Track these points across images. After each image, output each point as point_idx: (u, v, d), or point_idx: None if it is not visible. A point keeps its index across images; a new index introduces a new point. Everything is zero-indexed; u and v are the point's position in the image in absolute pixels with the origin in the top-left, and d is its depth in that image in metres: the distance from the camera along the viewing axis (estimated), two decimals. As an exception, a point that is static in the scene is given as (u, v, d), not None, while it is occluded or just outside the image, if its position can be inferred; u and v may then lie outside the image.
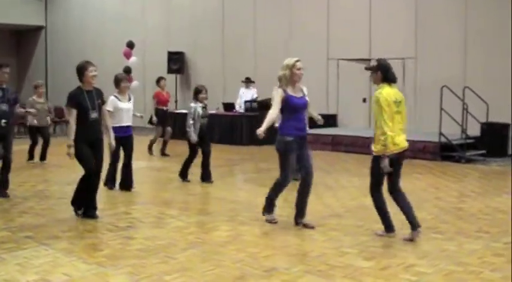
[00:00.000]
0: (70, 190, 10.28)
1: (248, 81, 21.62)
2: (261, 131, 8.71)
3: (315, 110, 9.99)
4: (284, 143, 8.98)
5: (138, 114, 13.89)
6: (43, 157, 16.40)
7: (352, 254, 7.84)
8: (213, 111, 22.17)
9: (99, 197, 10.04)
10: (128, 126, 12.09)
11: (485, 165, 16.47)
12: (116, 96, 12.03)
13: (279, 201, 9.93)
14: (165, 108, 18.18)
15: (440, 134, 16.97)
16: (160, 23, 27.55)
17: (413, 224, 8.52)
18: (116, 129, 11.23)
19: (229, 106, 22.23)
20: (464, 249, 8.13)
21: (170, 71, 25.82)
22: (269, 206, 9.52)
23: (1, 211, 10.36)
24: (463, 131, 17.53)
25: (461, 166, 16.25)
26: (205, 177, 13.33)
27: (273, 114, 8.93)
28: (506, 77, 18.01)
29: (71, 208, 10.00)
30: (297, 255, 7.81)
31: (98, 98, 9.72)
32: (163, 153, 18.14)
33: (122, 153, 12.13)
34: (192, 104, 13.21)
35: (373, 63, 8.76)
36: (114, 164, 12.25)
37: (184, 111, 23.61)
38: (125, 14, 28.96)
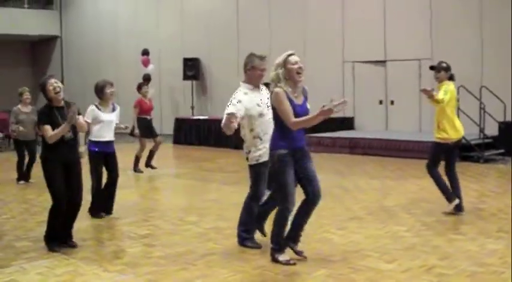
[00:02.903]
0: (89, 197, 10.24)
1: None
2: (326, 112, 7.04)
3: None
4: (278, 156, 7.39)
5: (123, 126, 11.33)
6: (27, 176, 14.51)
7: (373, 257, 7.80)
8: (230, 117, 22.21)
9: (116, 205, 9.94)
10: (109, 142, 10.48)
11: (504, 164, 16.39)
12: (96, 106, 10.38)
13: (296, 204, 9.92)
14: (148, 117, 16.04)
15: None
16: (174, 31, 27.54)
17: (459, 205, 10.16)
18: (95, 144, 10.34)
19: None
20: (486, 249, 8.08)
21: (186, 77, 25.85)
22: (278, 244, 7.62)
23: (21, 221, 10.38)
24: (481, 130, 17.44)
25: (480, 166, 16.18)
26: None
27: (297, 120, 7.28)
28: (523, 76, 17.94)
29: (90, 218, 10.02)
30: (318, 260, 7.75)
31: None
32: (148, 165, 15.97)
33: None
34: None
35: (441, 63, 10.42)
36: (97, 186, 10.61)
37: (201, 117, 23.75)
38: (138, 23, 28.99)
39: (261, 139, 8.16)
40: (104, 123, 10.30)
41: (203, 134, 23.04)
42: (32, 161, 14.32)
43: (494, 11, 18.62)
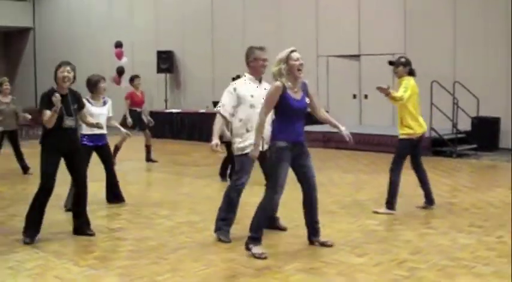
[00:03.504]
0: (61, 192, 10.16)
1: (238, 78, 21.49)
2: (254, 152, 7.66)
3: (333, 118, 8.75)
4: (276, 149, 7.59)
5: (118, 125, 11.81)
6: (24, 169, 14.55)
7: (345, 250, 7.81)
8: (203, 111, 22.20)
9: (88, 198, 9.84)
10: (100, 135, 10.60)
11: (476, 159, 16.48)
12: (87, 99, 10.32)
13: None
14: (139, 109, 16.31)
15: (431, 129, 16.96)
16: (148, 23, 27.46)
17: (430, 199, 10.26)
18: (86, 137, 10.43)
19: (219, 105, 22.13)
20: (457, 243, 8.11)
21: (160, 70, 25.76)
22: (256, 233, 7.72)
23: (-10, 214, 10.29)
24: (454, 125, 17.51)
25: (453, 161, 16.25)
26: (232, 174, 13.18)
27: (260, 124, 7.62)
28: (496, 71, 18.03)
29: (62, 211, 9.97)
30: (289, 253, 7.76)
31: (74, 102, 8.55)
32: (149, 159, 16.46)
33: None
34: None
35: (399, 58, 10.35)
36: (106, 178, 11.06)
37: (174, 110, 23.70)
38: (111, 15, 28.87)
39: (247, 130, 8.30)
40: (94, 116, 10.18)
41: (176, 127, 22.98)
42: (18, 153, 14.42)
43: (468, 6, 18.69)
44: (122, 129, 11.75)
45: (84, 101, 9.68)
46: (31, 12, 33.28)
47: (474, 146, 17.63)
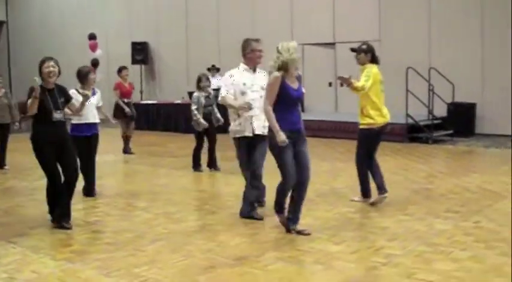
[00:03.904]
0: (38, 186, 10.14)
1: (214, 68, 21.47)
2: (282, 137, 7.72)
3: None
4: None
5: (108, 115, 12.43)
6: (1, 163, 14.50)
7: (322, 238, 7.81)
8: (179, 101, 22.16)
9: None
10: (91, 124, 10.84)
11: (452, 145, 16.55)
12: (77, 90, 10.25)
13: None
14: (126, 100, 16.40)
15: (407, 115, 17.02)
16: (122, 14, 27.35)
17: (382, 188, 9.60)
18: (76, 128, 10.67)
19: (195, 95, 22.09)
20: (434, 229, 8.15)
21: (134, 61, 25.66)
22: (279, 207, 8.20)
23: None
24: (430, 112, 17.58)
25: (429, 147, 16.32)
26: (211, 164, 13.48)
27: (270, 110, 7.84)
28: (471, 57, 18.11)
29: (40, 205, 9.89)
30: (267, 243, 7.76)
31: (61, 96, 8.76)
32: (126, 151, 16.52)
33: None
34: (196, 93, 13.33)
35: (361, 45, 9.75)
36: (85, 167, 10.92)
37: (150, 101, 23.64)
38: (85, 6, 28.68)
39: (238, 116, 8.98)
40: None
41: (152, 118, 22.93)
42: (3, 146, 14.46)
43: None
44: (111, 119, 12.60)
45: (74, 91, 10.09)
46: (4, 6, 33.00)
47: (450, 131, 17.72)
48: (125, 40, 26.29)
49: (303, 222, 8.32)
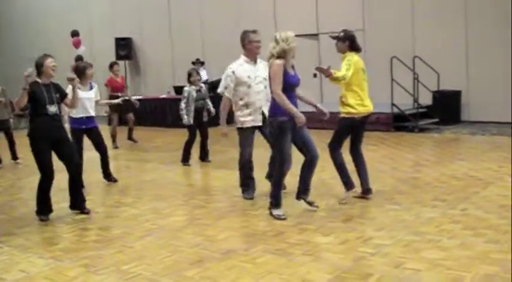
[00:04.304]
0: (24, 185, 10.11)
1: (198, 62, 21.43)
2: (303, 117, 8.25)
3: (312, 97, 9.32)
4: (278, 123, 8.30)
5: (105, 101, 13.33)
6: (13, 156, 14.88)
7: (310, 230, 7.82)
8: (164, 96, 22.11)
9: (53, 189, 9.74)
10: (89, 117, 11.28)
11: (438, 133, 16.56)
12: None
13: (232, 180, 9.94)
14: (120, 95, 16.20)
15: (393, 104, 17.03)
16: (105, 10, 27.22)
17: (362, 186, 9.43)
18: (75, 121, 11.14)
19: (180, 89, 21.96)
20: (422, 218, 8.16)
21: (118, 57, 25.55)
22: (275, 199, 8.56)
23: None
24: (415, 100, 17.59)
25: (415, 135, 16.34)
26: (204, 156, 13.72)
27: (283, 95, 8.21)
28: (455, 45, 18.12)
29: (27, 204, 9.87)
30: (254, 235, 7.76)
31: (56, 92, 9.06)
32: (130, 138, 17.65)
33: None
34: (186, 88, 13.44)
35: (339, 33, 9.34)
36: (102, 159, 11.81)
37: (135, 97, 23.55)
38: (68, 2, 28.53)
39: (247, 107, 9.49)
40: (83, 100, 10.94)
41: (138, 113, 22.82)
42: (11, 141, 14.85)
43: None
44: (114, 101, 13.58)
45: (70, 87, 10.27)
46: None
47: (436, 120, 17.73)
48: (109, 36, 26.19)
49: (290, 213, 8.35)
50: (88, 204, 9.63)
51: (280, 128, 8.32)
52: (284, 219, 8.33)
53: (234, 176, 10.31)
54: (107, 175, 11.87)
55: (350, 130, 9.30)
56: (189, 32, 24.24)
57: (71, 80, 9.29)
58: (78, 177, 9.39)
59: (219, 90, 9.84)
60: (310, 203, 8.84)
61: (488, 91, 17.73)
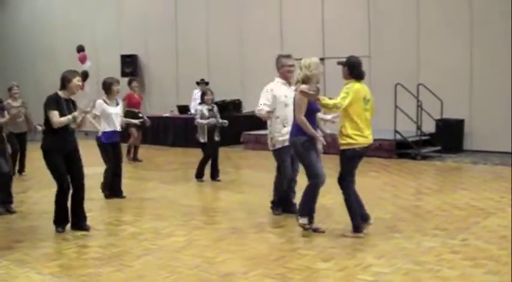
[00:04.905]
0: (24, 199, 10.09)
1: (203, 82, 21.42)
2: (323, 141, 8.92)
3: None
4: (301, 143, 8.77)
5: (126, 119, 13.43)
6: (21, 168, 15.08)
7: (310, 255, 7.79)
8: (168, 114, 22.11)
9: (51, 206, 9.72)
10: (115, 132, 11.86)
11: (441, 161, 16.54)
12: (104, 100, 11.82)
13: (235, 203, 9.90)
14: (136, 111, 16.93)
15: (396, 131, 17.02)
16: (111, 27, 27.25)
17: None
18: (110, 135, 11.73)
19: (184, 108, 22.06)
20: (422, 247, 8.13)
21: (124, 74, 25.59)
22: (309, 213, 8.85)
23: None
24: (418, 128, 17.58)
25: (417, 163, 16.31)
26: (214, 175, 13.76)
27: (306, 120, 8.72)
28: (459, 74, 18.14)
29: (26, 218, 9.85)
30: (254, 259, 7.72)
31: (74, 108, 9.24)
32: (135, 158, 17.69)
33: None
34: (199, 107, 13.64)
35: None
36: (112, 170, 12.04)
37: (140, 114, 23.54)
38: (75, 19, 28.56)
39: (284, 126, 9.75)
40: (112, 115, 11.75)
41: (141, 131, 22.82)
42: (22, 153, 15.11)
43: (432, 9, 18.78)
44: (133, 120, 14.01)
45: (101, 101, 11.78)
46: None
47: (438, 148, 17.71)
48: (114, 52, 26.25)
49: (290, 237, 8.33)
50: (88, 221, 9.62)
51: (303, 146, 8.74)
52: (308, 228, 8.77)
53: (235, 198, 10.33)
54: (118, 190, 12.10)
55: (355, 160, 8.84)
56: (194, 51, 24.28)
57: (72, 117, 9.12)
58: (82, 192, 9.39)
59: (258, 108, 9.97)
60: (315, 230, 8.96)
61: (491, 120, 17.73)
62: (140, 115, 16.80)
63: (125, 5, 26.92)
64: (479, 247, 8.06)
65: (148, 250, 8.20)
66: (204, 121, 13.28)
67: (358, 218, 8.76)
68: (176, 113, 22.19)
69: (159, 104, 25.02)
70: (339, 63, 9.15)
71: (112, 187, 12.04)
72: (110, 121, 11.72)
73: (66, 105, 9.06)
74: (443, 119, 18.07)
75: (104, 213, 10.68)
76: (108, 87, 11.88)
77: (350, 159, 8.79)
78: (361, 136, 8.68)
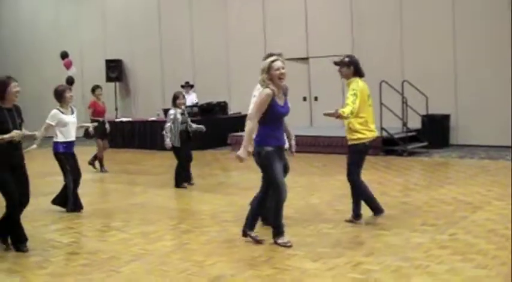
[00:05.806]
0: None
1: (187, 86, 21.40)
2: (243, 154, 8.05)
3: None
4: (265, 153, 8.15)
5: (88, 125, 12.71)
6: None
7: (299, 256, 7.80)
8: (154, 118, 22.08)
9: (41, 212, 9.72)
10: (71, 142, 11.07)
11: (427, 157, 16.60)
12: (58, 109, 10.90)
13: (220, 205, 9.90)
14: (101, 119, 16.09)
15: (382, 128, 17.05)
16: (95, 31, 27.22)
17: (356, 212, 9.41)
18: (67, 145, 10.97)
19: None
20: (411, 243, 8.16)
21: (109, 79, 25.58)
22: (278, 229, 8.34)
23: None
24: (404, 124, 17.66)
25: (404, 159, 16.36)
26: (187, 179, 13.57)
27: (253, 128, 8.18)
28: (443, 69, 18.22)
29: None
30: (243, 261, 7.72)
31: (18, 116, 8.55)
32: (91, 164, 16.57)
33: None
34: (171, 111, 13.39)
35: (343, 58, 9.43)
36: (75, 183, 11.21)
37: (125, 119, 23.53)
38: (58, 24, 28.50)
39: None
40: (69, 124, 10.97)
41: (127, 136, 22.80)
42: None
43: (415, 6, 18.85)
44: (87, 124, 12.82)
45: (56, 111, 10.85)
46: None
47: (425, 143, 17.78)
48: (99, 57, 26.21)
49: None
50: (77, 228, 9.60)
51: (267, 158, 8.16)
52: (290, 246, 8.12)
53: (222, 200, 10.33)
54: (80, 205, 11.31)
55: (363, 155, 9.36)
56: (179, 54, 24.30)
57: (31, 137, 8.85)
58: (22, 208, 8.69)
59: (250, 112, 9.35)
60: (255, 239, 8.49)
61: (476, 115, 17.83)
62: (106, 126, 16.36)
63: (108, 10, 26.89)
64: (468, 242, 8.10)
65: (137, 255, 8.18)
66: (167, 132, 13.16)
67: (376, 202, 9.33)
68: (162, 117, 22.12)
69: (145, 109, 24.99)
70: (338, 63, 9.37)
71: (76, 201, 11.23)
72: (67, 130, 10.96)
73: (8, 115, 8.35)
74: (429, 114, 18.16)
75: (92, 219, 10.64)
76: (60, 94, 11.00)
77: (360, 153, 9.27)
78: (369, 130, 9.17)
